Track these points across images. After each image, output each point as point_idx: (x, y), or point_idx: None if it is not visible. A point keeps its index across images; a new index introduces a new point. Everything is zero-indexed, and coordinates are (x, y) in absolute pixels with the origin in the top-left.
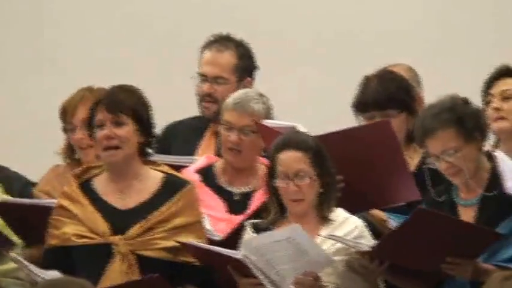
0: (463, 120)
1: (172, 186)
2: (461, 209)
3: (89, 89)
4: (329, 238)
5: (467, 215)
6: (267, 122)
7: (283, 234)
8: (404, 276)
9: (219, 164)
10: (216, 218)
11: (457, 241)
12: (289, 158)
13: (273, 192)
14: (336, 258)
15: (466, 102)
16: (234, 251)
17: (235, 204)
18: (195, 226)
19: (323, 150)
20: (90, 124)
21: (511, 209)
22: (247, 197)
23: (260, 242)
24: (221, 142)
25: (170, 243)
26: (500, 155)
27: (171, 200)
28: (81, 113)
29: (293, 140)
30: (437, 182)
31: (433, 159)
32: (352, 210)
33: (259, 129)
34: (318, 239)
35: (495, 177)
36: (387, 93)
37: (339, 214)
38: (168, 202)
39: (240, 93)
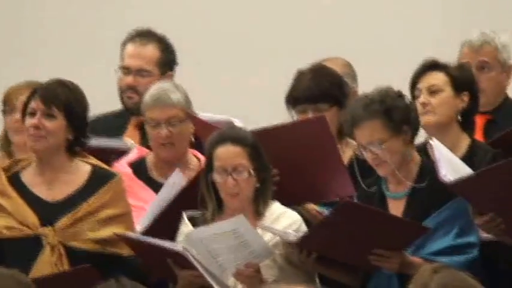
0: (391, 112)
1: (100, 178)
2: (390, 201)
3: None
4: (263, 229)
5: (397, 207)
6: (202, 116)
7: (228, 226)
8: (333, 267)
9: (150, 157)
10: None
11: (384, 234)
12: (227, 153)
13: (210, 187)
14: (276, 251)
15: (398, 95)
16: (173, 243)
17: None
18: (124, 217)
19: (260, 146)
20: (24, 110)
21: (439, 201)
22: None
23: (203, 234)
24: (151, 141)
25: (99, 234)
26: (435, 143)
27: (99, 192)
28: (24, 97)
29: (231, 134)
30: (368, 174)
31: (361, 149)
32: (286, 204)
33: (194, 123)
34: (258, 231)
35: (424, 170)
36: (319, 87)
37: (276, 208)
38: (96, 194)
39: (154, 88)
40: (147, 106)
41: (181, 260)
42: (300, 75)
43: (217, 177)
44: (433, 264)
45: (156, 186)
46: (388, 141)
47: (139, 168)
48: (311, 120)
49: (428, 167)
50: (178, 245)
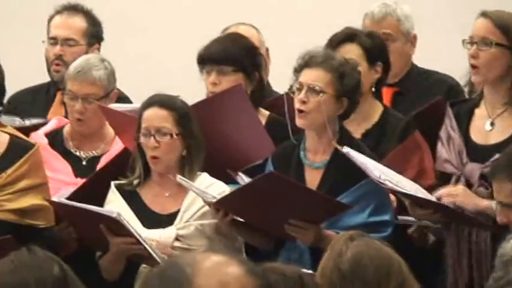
0: (344, 77)
1: (17, 148)
2: (307, 169)
3: None
4: (180, 181)
5: (313, 176)
6: (114, 106)
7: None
8: (248, 230)
9: (67, 128)
10: (63, 182)
11: (303, 207)
12: (153, 115)
13: (139, 151)
14: (204, 221)
15: (358, 71)
16: (108, 209)
17: (83, 168)
18: (41, 188)
19: (190, 113)
20: None
21: (356, 175)
22: (94, 161)
23: None
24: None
25: (17, 205)
26: (350, 152)
27: (17, 163)
28: None
29: (160, 98)
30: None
31: (299, 88)
32: (215, 175)
33: (104, 112)
34: (186, 199)
35: (344, 143)
36: (225, 50)
37: (204, 179)
38: (13, 165)
39: (81, 60)
40: (69, 77)
41: (115, 227)
42: (214, 39)
43: (142, 139)
44: (350, 232)
45: (71, 158)
46: (326, 96)
47: (55, 139)
48: (229, 90)
49: (350, 138)
50: (113, 210)
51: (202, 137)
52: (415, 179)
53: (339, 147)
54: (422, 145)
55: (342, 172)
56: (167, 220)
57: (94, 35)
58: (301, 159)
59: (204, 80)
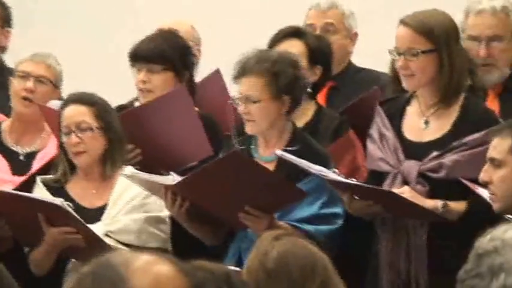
0: (279, 77)
1: None
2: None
3: None
4: (131, 177)
5: None
6: (51, 104)
7: None
8: (199, 222)
9: (6, 123)
10: (1, 180)
11: (261, 192)
12: (72, 112)
13: (62, 149)
14: (132, 216)
15: (294, 64)
16: (52, 197)
17: (20, 164)
18: None
19: (108, 107)
20: None
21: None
22: (32, 156)
23: None
24: (12, 96)
25: None
26: (284, 154)
27: None
28: None
29: (76, 96)
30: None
31: (239, 99)
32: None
33: (41, 111)
34: (113, 194)
35: (296, 136)
36: (155, 48)
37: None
38: None
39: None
40: (23, 61)
41: (55, 217)
42: (147, 36)
43: (63, 138)
44: (276, 230)
45: (8, 153)
46: (264, 102)
47: None
48: (170, 93)
49: (300, 134)
50: (57, 199)
51: (122, 131)
52: (348, 177)
53: (278, 153)
54: (355, 143)
55: (292, 167)
56: (95, 215)
57: (5, 19)
58: (251, 153)
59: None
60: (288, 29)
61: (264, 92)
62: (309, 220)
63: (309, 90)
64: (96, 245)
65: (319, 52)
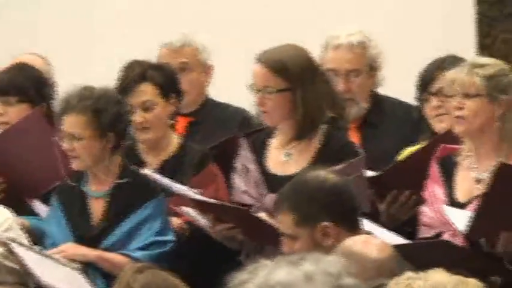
0: (101, 114)
1: None
2: (91, 200)
3: None
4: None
5: (97, 206)
6: None
7: None
8: None
9: None
10: None
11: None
12: None
13: None
14: None
15: (117, 100)
16: None
17: None
18: None
19: None
20: None
21: (140, 199)
22: None
23: None
24: None
25: None
26: (154, 175)
27: None
28: None
29: None
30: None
31: (63, 137)
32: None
33: None
34: None
35: (125, 170)
36: (9, 80)
37: None
38: None
39: None
40: None
41: None
42: (2, 70)
43: None
44: (137, 264)
45: None
46: (88, 140)
47: None
48: (27, 117)
49: (128, 168)
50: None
51: None
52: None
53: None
54: (217, 177)
55: (126, 197)
56: None
57: None
58: (83, 189)
59: None
60: (131, 77)
61: (87, 129)
62: (148, 247)
63: (170, 122)
64: None
65: (167, 83)
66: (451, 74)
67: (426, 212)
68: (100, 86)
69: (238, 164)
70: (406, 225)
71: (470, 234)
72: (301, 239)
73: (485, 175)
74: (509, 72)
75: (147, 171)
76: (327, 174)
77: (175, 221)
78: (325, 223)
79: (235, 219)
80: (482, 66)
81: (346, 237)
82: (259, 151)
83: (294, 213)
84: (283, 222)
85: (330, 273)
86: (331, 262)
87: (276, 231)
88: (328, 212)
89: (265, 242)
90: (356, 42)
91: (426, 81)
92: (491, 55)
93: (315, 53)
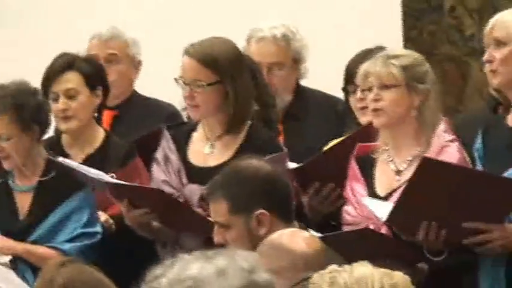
0: (22, 109)
1: None
2: (17, 194)
3: None
4: None
5: (24, 200)
6: None
7: None
8: None
9: None
10: None
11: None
12: None
13: None
14: None
15: (33, 92)
16: None
17: None
18: None
19: None
20: None
21: (66, 192)
22: None
23: None
24: None
25: None
26: (66, 161)
27: None
28: None
29: None
30: None
31: None
32: None
33: None
34: None
35: (51, 164)
36: None
37: None
38: None
39: None
40: None
41: None
42: None
43: None
44: (60, 258)
45: None
46: (15, 137)
47: None
48: None
49: (54, 162)
50: None
51: None
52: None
53: None
54: (142, 171)
55: (52, 191)
56: None
57: None
58: (9, 184)
59: None
60: (59, 63)
61: (13, 128)
62: (74, 239)
63: (95, 114)
64: None
65: (94, 74)
66: (364, 67)
67: (349, 211)
68: (10, 81)
69: (159, 155)
70: (331, 218)
71: (390, 223)
72: (234, 228)
73: (405, 165)
74: (424, 62)
75: (71, 162)
76: (260, 162)
77: (102, 216)
78: (261, 210)
79: (152, 204)
80: (396, 57)
81: (280, 228)
82: (181, 142)
83: (228, 201)
84: (216, 211)
85: (243, 269)
86: (246, 257)
87: (196, 215)
88: (263, 199)
89: (183, 229)
90: (279, 34)
91: (352, 73)
92: (417, 47)
93: (240, 46)
